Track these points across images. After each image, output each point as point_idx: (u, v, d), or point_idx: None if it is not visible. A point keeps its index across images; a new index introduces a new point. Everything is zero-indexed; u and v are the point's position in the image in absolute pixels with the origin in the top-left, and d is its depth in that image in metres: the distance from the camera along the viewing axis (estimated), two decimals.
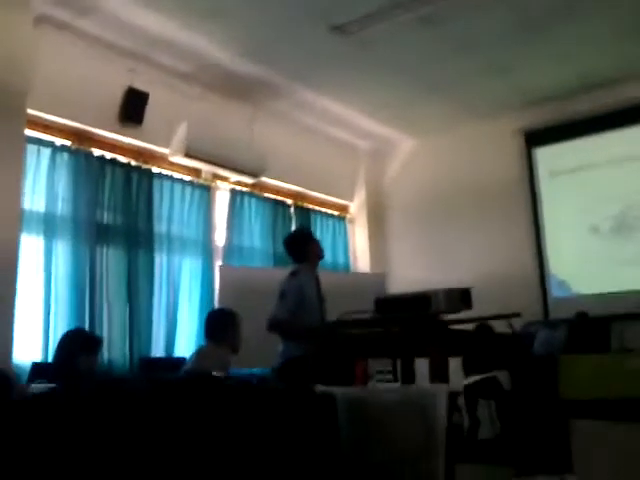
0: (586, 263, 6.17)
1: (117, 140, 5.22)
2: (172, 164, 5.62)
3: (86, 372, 2.97)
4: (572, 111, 6.24)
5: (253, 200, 6.31)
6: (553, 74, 5.93)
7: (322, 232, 7.01)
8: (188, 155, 5.51)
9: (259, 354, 4.81)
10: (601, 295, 5.96)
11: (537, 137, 6.59)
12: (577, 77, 5.96)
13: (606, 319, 5.40)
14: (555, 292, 6.28)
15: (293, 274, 3.95)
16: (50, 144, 4.79)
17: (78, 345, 3.15)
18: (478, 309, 2.86)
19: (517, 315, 2.50)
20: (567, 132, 6.37)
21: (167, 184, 5.56)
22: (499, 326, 3.14)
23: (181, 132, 5.47)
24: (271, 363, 4.31)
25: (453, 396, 3.84)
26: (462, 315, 2.55)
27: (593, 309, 5.81)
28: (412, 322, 2.23)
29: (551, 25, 5.05)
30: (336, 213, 7.37)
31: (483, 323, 3.84)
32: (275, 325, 3.77)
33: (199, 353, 3.49)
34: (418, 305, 2.45)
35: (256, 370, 5.28)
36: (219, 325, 3.63)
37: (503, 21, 4.93)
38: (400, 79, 5.87)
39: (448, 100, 6.37)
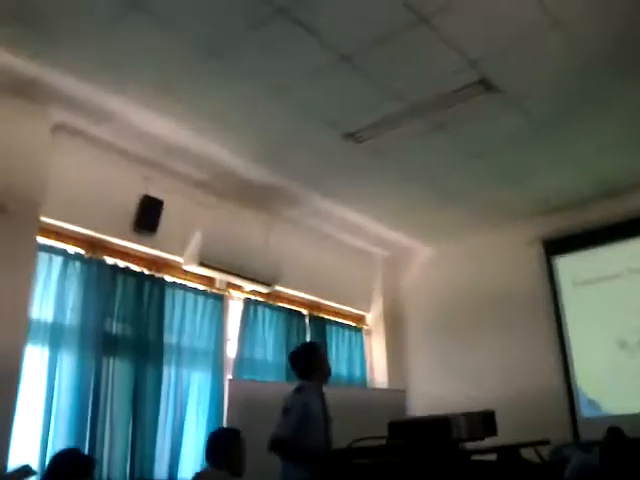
0: (615, 380, 5.84)
1: (130, 248, 5.17)
2: (185, 273, 5.54)
3: None
4: (591, 219, 6.15)
5: (267, 310, 6.16)
6: (569, 181, 5.88)
7: (338, 344, 6.82)
8: (202, 264, 5.45)
9: (270, 476, 4.51)
10: (634, 415, 5.59)
11: (556, 245, 6.46)
12: (593, 184, 5.92)
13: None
14: (585, 412, 5.92)
15: (298, 390, 3.77)
16: (62, 252, 4.75)
17: (70, 467, 2.94)
18: (501, 431, 2.63)
19: (546, 443, 2.27)
20: (587, 240, 6.23)
21: (179, 293, 5.45)
22: (526, 452, 2.90)
23: (195, 241, 5.43)
24: None
25: None
26: (485, 442, 2.33)
27: (626, 430, 5.45)
28: (430, 451, 2.01)
29: (564, 132, 5.04)
30: (352, 324, 7.18)
31: (510, 445, 3.56)
32: (277, 444, 3.54)
33: (200, 478, 3.24)
34: (437, 431, 2.24)
35: None
36: (220, 447, 3.40)
37: (515, 127, 4.93)
38: (413, 186, 5.86)
39: (462, 208, 6.33)
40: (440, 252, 7.27)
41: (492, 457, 2.31)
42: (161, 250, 5.33)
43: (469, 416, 2.23)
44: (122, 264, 5.10)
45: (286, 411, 3.66)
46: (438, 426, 2.22)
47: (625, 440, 5.07)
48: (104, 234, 4.98)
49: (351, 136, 4.98)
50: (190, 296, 5.53)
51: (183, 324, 5.35)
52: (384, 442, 2.29)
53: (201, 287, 5.67)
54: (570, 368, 6.09)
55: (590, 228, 6.20)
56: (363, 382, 6.93)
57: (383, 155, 5.31)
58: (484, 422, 2.25)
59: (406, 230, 6.92)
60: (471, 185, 5.88)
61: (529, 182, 5.89)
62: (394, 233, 6.98)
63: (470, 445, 2.30)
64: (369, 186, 5.86)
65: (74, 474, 2.92)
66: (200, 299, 5.60)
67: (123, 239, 5.10)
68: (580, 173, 5.75)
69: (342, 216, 6.48)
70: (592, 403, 5.90)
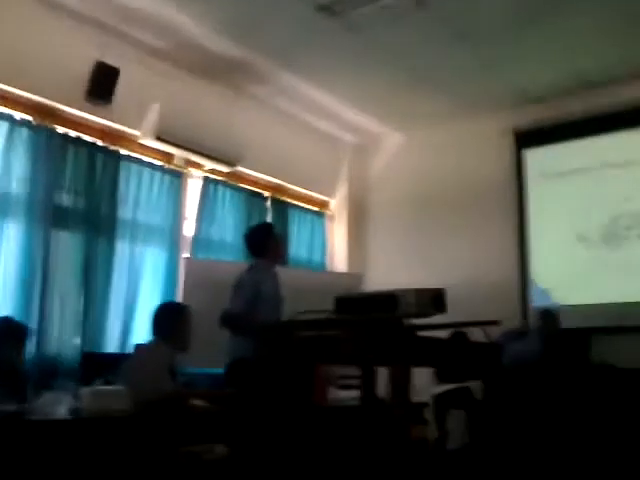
0: (570, 272, 5.94)
1: (83, 118, 4.90)
2: (142, 147, 5.31)
3: (5, 364, 2.69)
4: (566, 112, 6.00)
5: (227, 190, 6.00)
6: (548, 72, 5.69)
7: (299, 228, 6.76)
8: (159, 138, 5.24)
9: (223, 354, 4.55)
10: (583, 306, 5.74)
11: (528, 137, 6.34)
12: (572, 77, 5.73)
13: (587, 331, 5.20)
14: (536, 301, 6.05)
15: (250, 268, 3.75)
16: (8, 118, 4.46)
17: (1, 333, 2.86)
18: (454, 315, 2.61)
19: (495, 323, 2.24)
20: (560, 134, 6.12)
21: (135, 168, 5.24)
22: (476, 334, 2.91)
23: (153, 113, 5.18)
24: None
25: (419, 407, 3.60)
26: (434, 320, 2.29)
27: (574, 321, 5.61)
28: (374, 325, 1.96)
29: (549, 20, 4.80)
30: (315, 209, 7.09)
31: (458, 331, 3.61)
32: (227, 319, 3.54)
33: (140, 350, 3.21)
34: (384, 306, 2.18)
35: (219, 370, 5.01)
36: (166, 320, 3.36)
37: (502, 10, 4.66)
38: (389, 67, 5.57)
39: (439, 94, 6.09)
40: (410, 140, 7.10)
41: (439, 334, 2.27)
42: (116, 121, 5.07)
43: (418, 292, 2.16)
44: (74, 134, 4.84)
45: (238, 288, 3.65)
46: (385, 301, 2.15)
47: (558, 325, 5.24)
48: (54, 101, 4.69)
49: (326, 8, 4.62)
50: (146, 171, 5.33)
51: (138, 199, 5.18)
52: (330, 316, 2.25)
53: (158, 163, 5.46)
54: (527, 258, 6.17)
55: (564, 121, 6.07)
56: (322, 267, 6.94)
57: (359, 31, 4.98)
58: (433, 299, 2.19)
59: (377, 115, 6.70)
60: (450, 70, 5.63)
61: (509, 71, 5.68)
62: (364, 118, 6.76)
63: (418, 322, 2.27)
64: (342, 65, 5.57)
65: (6, 340, 2.85)
66: (157, 175, 5.40)
67: (75, 107, 4.82)
68: (561, 65, 5.55)
69: (311, 97, 6.20)
70: (544, 293, 6.02)
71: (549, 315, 5.37)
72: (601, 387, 4.40)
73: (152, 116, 5.17)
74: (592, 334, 5.11)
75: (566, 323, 5.56)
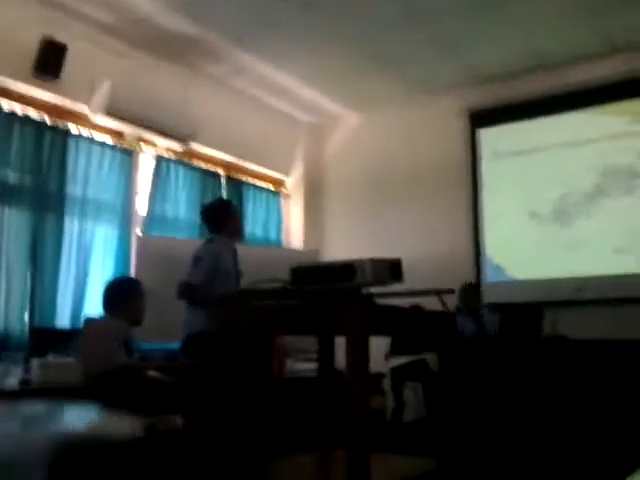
0: (523, 248, 6.06)
1: (30, 94, 4.74)
2: (92, 124, 5.17)
3: None
4: (520, 92, 6.08)
5: (181, 168, 5.89)
6: (502, 53, 5.73)
7: (255, 206, 6.70)
8: (110, 114, 5.11)
9: (177, 329, 4.50)
10: (536, 281, 5.87)
11: (483, 117, 6.40)
12: (526, 57, 5.77)
13: (540, 305, 5.30)
14: (490, 277, 6.15)
15: (209, 241, 3.71)
16: None
17: None
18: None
19: (450, 291, 2.25)
20: (513, 114, 6.20)
21: (85, 145, 5.10)
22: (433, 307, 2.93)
23: (104, 89, 5.03)
24: None
25: (376, 378, 3.63)
26: (391, 289, 2.29)
27: (527, 295, 5.74)
28: (332, 295, 1.94)
29: (503, 0, 4.83)
30: (271, 187, 7.04)
31: (414, 305, 3.63)
32: (186, 290, 3.49)
33: (91, 324, 3.14)
34: (341, 276, 2.16)
35: (173, 345, 4.96)
36: (116, 296, 3.30)
37: None
38: (345, 47, 5.54)
39: (395, 74, 6.09)
40: (367, 120, 7.09)
41: (398, 302, 2.27)
42: (65, 97, 4.92)
43: (375, 262, 2.15)
44: (20, 110, 4.68)
45: (197, 260, 3.61)
46: (342, 271, 2.14)
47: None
48: (1, 76, 4.53)
49: None
50: (97, 149, 5.19)
51: (88, 176, 5.05)
52: (287, 286, 2.22)
53: (109, 140, 5.32)
54: (481, 235, 6.25)
55: (517, 101, 6.15)
56: (279, 245, 6.92)
57: (316, 11, 4.91)
58: (390, 268, 2.19)
59: (334, 95, 6.66)
60: (405, 50, 5.61)
61: (464, 52, 5.70)
62: (321, 97, 6.71)
63: (375, 291, 2.26)
64: (298, 44, 5.50)
65: None
66: (108, 152, 5.27)
67: (22, 82, 4.65)
68: (513, 45, 5.59)
69: (267, 76, 6.12)
70: (498, 269, 6.13)
71: (471, 289, 5.53)
72: (552, 358, 4.51)
73: (102, 92, 5.03)
74: (544, 308, 5.20)
75: (520, 297, 5.69)
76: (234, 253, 3.86)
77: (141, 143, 5.58)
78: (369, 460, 1.67)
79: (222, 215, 3.95)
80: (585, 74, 5.79)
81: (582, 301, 5.34)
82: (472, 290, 5.58)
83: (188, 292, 3.53)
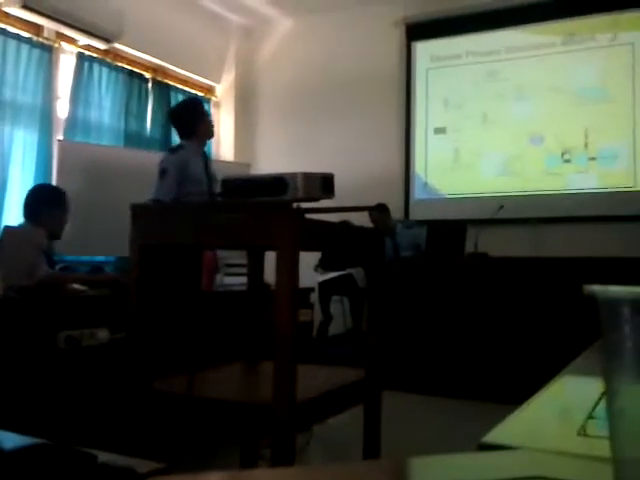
0: (447, 166, 6.14)
1: None
2: (6, 16, 4.76)
3: None
4: (457, 6, 6.02)
5: (105, 69, 5.57)
6: None
7: None
8: (26, 7, 4.71)
9: (102, 241, 4.38)
10: (460, 199, 6.00)
11: (418, 29, 6.31)
12: None
13: (463, 222, 5.44)
14: (418, 194, 6.24)
15: (174, 150, 3.50)
16: None
17: None
18: (341, 204, 2.61)
19: (383, 208, 2.25)
20: (449, 27, 6.14)
21: None
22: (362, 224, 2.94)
23: None
24: (114, 251, 3.91)
25: (305, 292, 3.68)
26: (322, 204, 2.27)
27: (452, 213, 5.87)
28: (262, 208, 1.90)
29: None
30: (200, 94, 6.78)
31: (343, 220, 3.65)
32: None
33: (10, 233, 2.99)
34: (272, 189, 2.11)
35: (100, 258, 4.86)
36: (38, 203, 3.14)
37: None
38: None
39: None
40: (301, 26, 6.85)
41: (327, 217, 2.25)
42: None
43: (306, 176, 2.11)
44: None
45: (162, 173, 3.41)
46: (274, 185, 2.09)
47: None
48: None
49: None
50: (11, 43, 4.81)
51: (3, 75, 4.70)
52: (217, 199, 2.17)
53: (25, 34, 4.94)
54: (411, 152, 6.28)
55: (454, 15, 6.07)
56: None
57: None
58: (322, 183, 2.16)
59: None
60: None
61: None
62: None
63: (306, 206, 2.24)
64: None
65: None
66: (24, 48, 4.90)
67: None
68: None
69: None
70: (426, 186, 6.21)
71: (382, 209, 5.57)
72: (474, 274, 4.68)
73: None
74: (468, 225, 5.34)
75: (445, 214, 5.81)
76: (205, 158, 3.69)
77: (62, 42, 5.21)
78: (295, 371, 1.69)
79: (193, 118, 3.67)
80: None
81: (504, 219, 5.51)
82: (383, 210, 5.56)
83: None
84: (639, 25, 5.48)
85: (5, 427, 0.87)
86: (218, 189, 3.54)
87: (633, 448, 0.45)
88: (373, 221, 5.37)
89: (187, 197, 3.29)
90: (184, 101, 4.50)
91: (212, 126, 3.84)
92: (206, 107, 6.73)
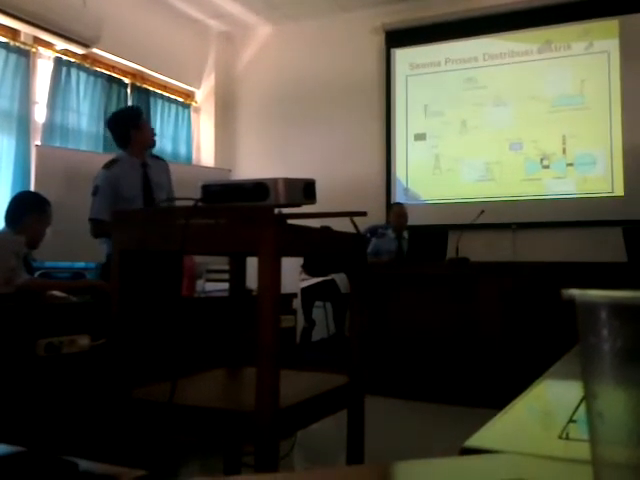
0: (427, 171, 6.18)
1: None
2: None
3: None
4: (434, 13, 6.08)
5: (83, 74, 5.55)
6: None
7: (163, 119, 6.45)
8: (3, 11, 4.67)
9: (82, 247, 4.35)
10: (441, 204, 6.04)
11: (399, 36, 6.37)
12: None
13: (445, 228, 5.47)
14: (399, 199, 6.27)
15: (107, 165, 3.44)
16: None
17: None
18: (321, 210, 2.62)
19: (363, 214, 2.26)
20: (427, 35, 6.21)
21: None
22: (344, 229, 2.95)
23: None
24: (95, 257, 3.88)
25: (287, 298, 3.67)
26: (304, 210, 2.28)
27: (433, 218, 5.90)
28: (244, 214, 1.90)
29: None
30: (180, 99, 6.77)
31: (324, 226, 3.66)
32: (92, 229, 3.33)
33: None
34: (254, 195, 2.11)
35: (79, 265, 4.82)
36: (19, 210, 3.11)
37: None
38: None
39: None
40: (281, 32, 6.87)
41: (310, 223, 2.26)
42: None
43: (288, 181, 2.11)
44: None
45: (95, 191, 3.37)
46: (255, 190, 2.09)
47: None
48: None
49: None
50: None
51: None
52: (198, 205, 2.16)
53: (2, 39, 4.90)
54: (392, 158, 6.32)
55: (434, 22, 6.13)
56: (189, 161, 6.73)
57: None
58: (303, 189, 2.16)
59: (246, 3, 6.38)
60: None
61: None
62: (234, 4, 6.41)
63: (288, 212, 2.24)
64: None
65: None
66: (1, 53, 4.87)
67: None
68: None
69: None
70: (407, 191, 6.25)
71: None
72: (456, 279, 4.70)
73: None
74: (449, 230, 5.37)
75: (427, 220, 5.84)
76: (145, 169, 3.59)
77: (39, 47, 5.16)
78: (278, 377, 1.69)
79: (128, 127, 3.55)
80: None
81: (484, 224, 5.55)
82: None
83: (94, 230, 3.35)
84: (613, 33, 5.58)
85: None
86: (173, 195, 3.51)
87: (612, 451, 0.45)
88: (398, 215, 5.39)
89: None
90: (120, 110, 4.37)
91: (153, 134, 3.66)
92: (186, 113, 6.74)
